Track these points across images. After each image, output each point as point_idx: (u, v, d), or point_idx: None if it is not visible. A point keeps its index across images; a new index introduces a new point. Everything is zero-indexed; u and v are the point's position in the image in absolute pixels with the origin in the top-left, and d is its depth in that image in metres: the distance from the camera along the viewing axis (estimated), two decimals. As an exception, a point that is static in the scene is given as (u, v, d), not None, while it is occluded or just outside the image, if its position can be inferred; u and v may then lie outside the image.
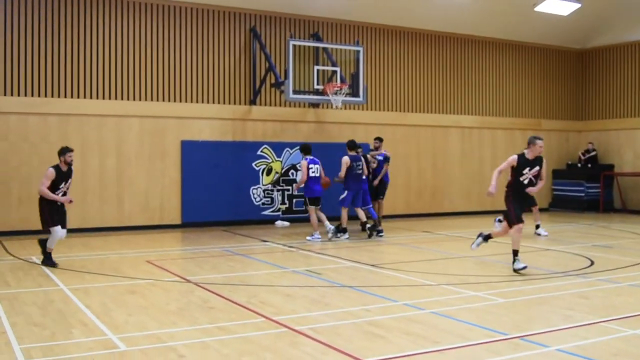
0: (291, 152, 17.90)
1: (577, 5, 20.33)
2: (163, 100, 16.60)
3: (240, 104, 17.54)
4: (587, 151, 22.75)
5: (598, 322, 7.17)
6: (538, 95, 22.95)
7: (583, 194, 22.12)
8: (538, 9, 20.12)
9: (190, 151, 16.71)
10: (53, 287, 9.10)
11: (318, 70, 16.77)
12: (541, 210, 21.90)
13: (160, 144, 16.50)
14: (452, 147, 20.74)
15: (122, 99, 16.11)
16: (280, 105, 18.00)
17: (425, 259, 11.96)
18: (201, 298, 8.37)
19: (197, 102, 16.99)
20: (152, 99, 16.46)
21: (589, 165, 22.48)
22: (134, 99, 16.26)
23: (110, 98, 15.98)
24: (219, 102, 17.27)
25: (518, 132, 22.21)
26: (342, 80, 16.79)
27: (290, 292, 8.80)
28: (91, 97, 15.76)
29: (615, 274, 10.26)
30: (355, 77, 16.93)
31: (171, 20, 16.72)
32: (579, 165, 22.83)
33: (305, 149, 14.55)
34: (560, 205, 22.63)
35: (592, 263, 11.25)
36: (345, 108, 17.88)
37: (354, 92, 16.77)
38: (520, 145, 21.94)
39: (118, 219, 16.00)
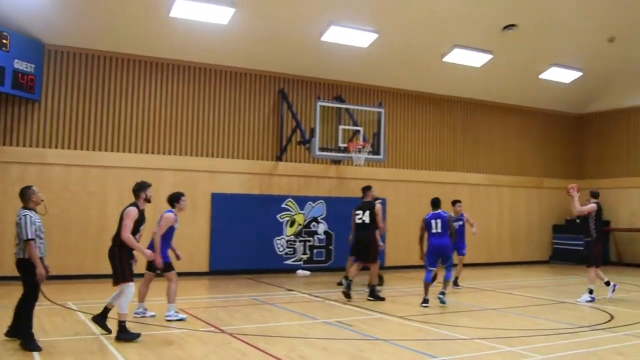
0: (313, 205, 17.16)
1: (579, 74, 19.79)
2: (196, 155, 15.98)
3: (267, 159, 16.89)
4: (586, 208, 21.92)
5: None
6: (540, 155, 22.24)
7: (582, 248, 21.20)
8: (542, 76, 19.59)
9: (220, 203, 16.00)
10: (90, 336, 8.24)
11: (343, 129, 16.10)
12: (542, 262, 21.24)
13: (192, 195, 15.79)
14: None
15: (158, 153, 15.52)
16: (304, 161, 17.35)
17: (449, 311, 11.01)
18: (239, 351, 7.48)
19: (227, 157, 16.36)
20: (186, 154, 15.85)
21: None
22: (169, 154, 15.65)
23: (147, 152, 15.40)
24: (248, 158, 16.62)
25: (522, 190, 21.53)
26: (365, 140, 16.13)
27: (327, 345, 7.90)
28: (129, 151, 15.20)
29: (638, 328, 9.37)
30: (376, 137, 16.28)
31: (206, 82, 16.23)
32: (578, 221, 21.94)
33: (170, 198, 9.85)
34: (560, 258, 21.70)
35: (612, 317, 10.33)
36: (366, 165, 17.16)
37: (375, 151, 16.10)
38: (524, 201, 21.36)
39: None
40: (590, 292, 12.21)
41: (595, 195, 12.69)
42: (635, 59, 19.47)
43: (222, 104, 16.40)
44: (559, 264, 21.33)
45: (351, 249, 13.03)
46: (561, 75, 19.74)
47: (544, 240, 22.07)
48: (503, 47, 17.54)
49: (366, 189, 12.64)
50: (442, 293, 11.48)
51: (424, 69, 18.22)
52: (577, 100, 22.17)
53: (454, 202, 14.33)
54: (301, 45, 16.09)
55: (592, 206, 12.34)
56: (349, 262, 13.61)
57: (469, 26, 16.56)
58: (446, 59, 17.59)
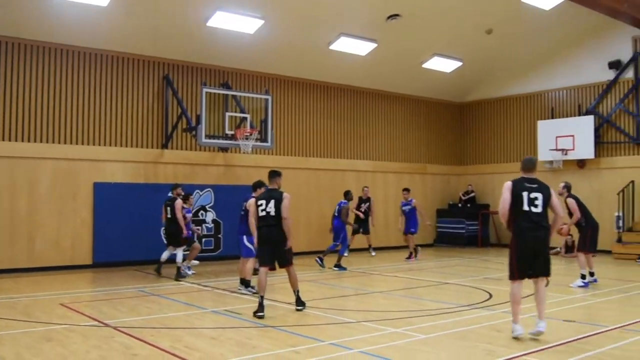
0: (201, 193, 16.94)
1: (459, 64, 20.59)
2: (77, 143, 15.34)
3: (152, 147, 16.48)
4: (467, 192, 22.93)
5: (519, 356, 6.68)
6: (424, 142, 23.02)
7: (464, 231, 22.20)
8: (425, 65, 20.22)
9: (103, 193, 15.50)
10: (-39, 336, 7.80)
11: (229, 116, 15.98)
12: (427, 245, 21.97)
13: (73, 185, 15.21)
14: (349, 189, 20.25)
15: (35, 141, 14.77)
16: (190, 149, 17.05)
17: (338, 295, 11.25)
18: (123, 344, 7.28)
19: (110, 145, 15.82)
20: (65, 142, 15.18)
21: (468, 205, 22.63)
22: (48, 142, 14.93)
23: (23, 140, 14.61)
24: (132, 146, 16.14)
25: (407, 175, 22.17)
26: (252, 127, 16.07)
27: (215, 334, 7.84)
28: (3, 140, 14.36)
29: (515, 306, 9.92)
30: (263, 124, 16.27)
31: (86, 66, 15.56)
32: (460, 205, 22.96)
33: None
34: (444, 241, 22.61)
35: (491, 296, 10.89)
36: (253, 152, 17.11)
37: (263, 138, 16.09)
38: (409, 186, 21.92)
39: (29, 259, 14.52)
40: (583, 277, 12.11)
41: (569, 187, 12.55)
42: (511, 50, 20.52)
43: (103, 89, 15.80)
44: (443, 246, 22.21)
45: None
46: (443, 64, 20.46)
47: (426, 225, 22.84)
48: (387, 36, 17.96)
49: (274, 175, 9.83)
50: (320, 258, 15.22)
51: (311, 57, 18.35)
52: (458, 89, 23.09)
53: (403, 190, 18.26)
54: (186, 30, 15.77)
55: (571, 202, 12.17)
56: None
57: (355, 15, 16.82)
58: (332, 46, 17.80)
